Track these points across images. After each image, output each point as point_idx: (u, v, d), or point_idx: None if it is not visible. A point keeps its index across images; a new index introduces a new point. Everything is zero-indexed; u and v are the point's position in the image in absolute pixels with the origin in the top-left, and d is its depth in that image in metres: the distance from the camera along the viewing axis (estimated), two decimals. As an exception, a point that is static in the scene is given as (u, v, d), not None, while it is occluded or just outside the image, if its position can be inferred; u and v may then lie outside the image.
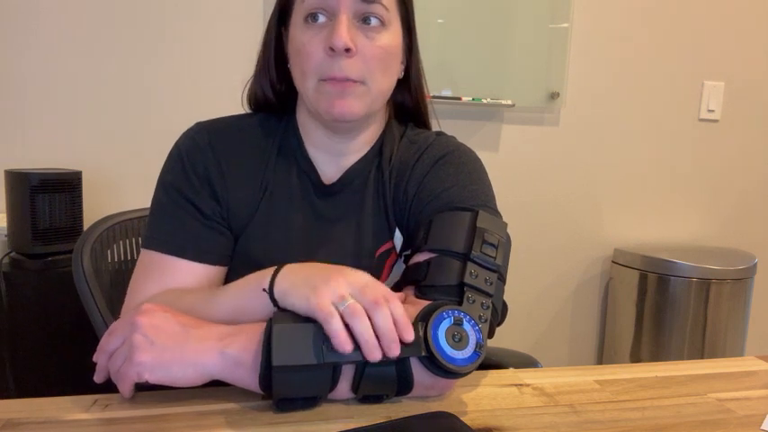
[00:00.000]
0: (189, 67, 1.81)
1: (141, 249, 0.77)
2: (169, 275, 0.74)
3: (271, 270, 0.64)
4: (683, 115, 2.23)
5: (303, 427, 0.57)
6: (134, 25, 1.76)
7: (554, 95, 2.06)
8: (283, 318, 0.59)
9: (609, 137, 2.18)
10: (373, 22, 0.73)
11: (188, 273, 0.74)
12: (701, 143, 2.26)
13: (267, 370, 0.56)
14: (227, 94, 1.80)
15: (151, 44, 1.78)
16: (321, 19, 0.72)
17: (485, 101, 1.97)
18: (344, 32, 0.70)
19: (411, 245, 0.77)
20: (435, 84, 1.96)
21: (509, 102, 1.99)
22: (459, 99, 1.95)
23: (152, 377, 0.57)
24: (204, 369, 0.58)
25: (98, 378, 0.62)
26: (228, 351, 0.58)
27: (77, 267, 0.92)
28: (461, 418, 0.58)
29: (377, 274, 0.80)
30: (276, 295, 0.61)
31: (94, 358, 0.63)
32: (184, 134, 0.80)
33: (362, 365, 0.58)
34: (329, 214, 0.80)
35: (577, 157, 2.16)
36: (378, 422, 0.58)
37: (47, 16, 1.70)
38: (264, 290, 0.62)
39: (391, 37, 0.75)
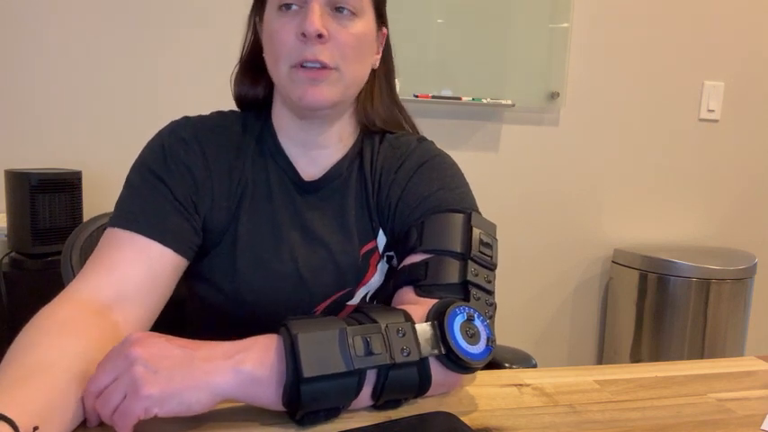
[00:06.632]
0: (189, 68, 1.80)
1: (106, 229, 0.72)
2: (127, 252, 0.69)
3: None
4: (683, 115, 2.23)
5: (303, 427, 0.57)
6: (134, 26, 1.76)
7: (554, 95, 2.06)
8: (303, 326, 0.56)
9: (609, 137, 2.18)
10: (345, 12, 0.73)
11: (146, 253, 0.70)
12: (700, 143, 2.26)
13: (295, 383, 0.53)
14: (226, 95, 1.79)
15: (151, 45, 1.77)
16: (294, 8, 0.73)
17: (485, 101, 1.97)
18: (317, 18, 0.70)
19: (399, 248, 0.77)
20: (435, 84, 1.96)
21: (509, 102, 1.99)
22: (459, 99, 1.95)
23: (162, 410, 0.51)
24: (217, 390, 0.53)
25: (91, 423, 0.54)
26: (243, 368, 0.54)
27: (66, 268, 0.91)
28: (461, 418, 0.58)
29: (363, 272, 0.80)
30: None
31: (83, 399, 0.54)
32: (169, 126, 0.80)
33: (387, 370, 0.57)
34: (310, 211, 0.80)
35: (577, 157, 2.16)
36: (378, 422, 0.57)
37: (47, 17, 1.70)
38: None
39: (364, 25, 0.75)
